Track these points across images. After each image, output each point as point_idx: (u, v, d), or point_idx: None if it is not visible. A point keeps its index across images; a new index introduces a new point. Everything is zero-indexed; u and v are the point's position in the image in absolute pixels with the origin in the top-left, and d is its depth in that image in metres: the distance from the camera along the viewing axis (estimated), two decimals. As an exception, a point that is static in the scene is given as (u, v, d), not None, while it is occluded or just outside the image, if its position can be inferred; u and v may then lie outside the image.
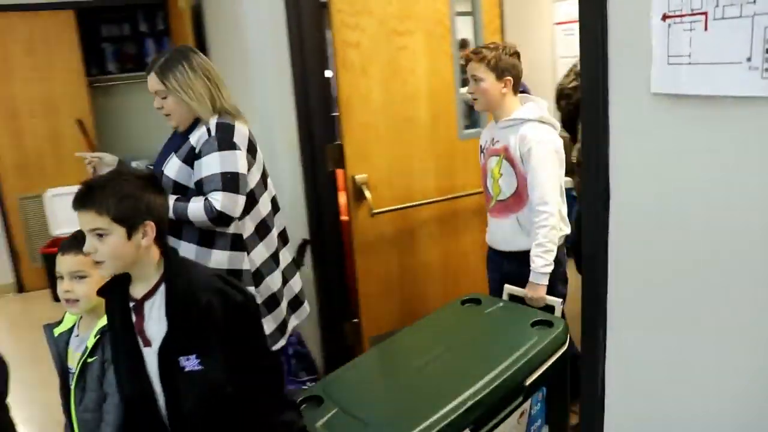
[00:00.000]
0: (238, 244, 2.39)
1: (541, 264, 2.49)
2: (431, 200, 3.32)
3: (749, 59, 0.90)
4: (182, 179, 2.33)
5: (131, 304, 1.67)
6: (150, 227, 1.60)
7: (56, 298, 5.25)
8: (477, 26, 3.39)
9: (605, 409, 1.35)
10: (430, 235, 3.38)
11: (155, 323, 1.64)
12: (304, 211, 3.27)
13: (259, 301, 2.43)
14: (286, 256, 2.64)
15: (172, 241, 2.27)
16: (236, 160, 2.30)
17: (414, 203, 3.25)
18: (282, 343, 2.58)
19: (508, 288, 2.63)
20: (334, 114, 3.21)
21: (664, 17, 1.01)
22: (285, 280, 2.60)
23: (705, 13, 0.95)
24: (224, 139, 2.31)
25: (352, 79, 3.06)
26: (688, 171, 1.08)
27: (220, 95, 2.40)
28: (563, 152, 2.60)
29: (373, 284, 3.23)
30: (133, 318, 1.66)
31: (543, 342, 2.13)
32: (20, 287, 5.85)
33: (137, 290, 1.67)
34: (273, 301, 2.51)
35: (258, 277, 2.45)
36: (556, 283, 2.60)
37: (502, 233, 2.69)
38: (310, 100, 3.10)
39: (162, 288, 1.64)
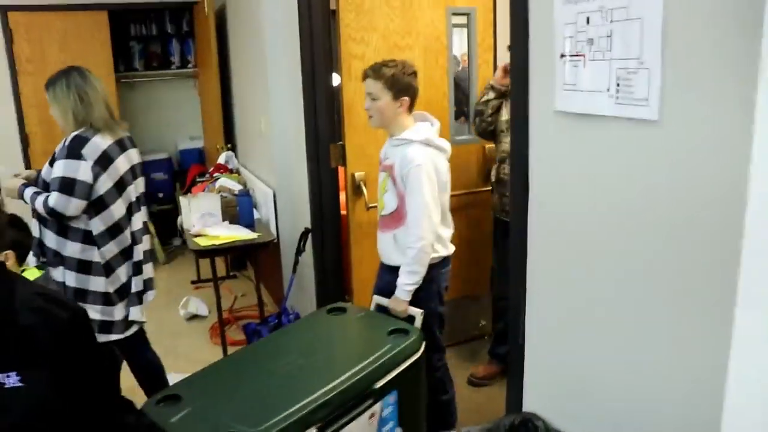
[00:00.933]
0: (89, 239, 2.82)
1: (405, 282, 2.56)
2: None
3: (608, 89, 1.28)
4: (47, 177, 2.81)
5: None
6: None
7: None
8: (471, 42, 3.76)
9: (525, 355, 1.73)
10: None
11: None
12: (307, 203, 3.65)
13: (111, 290, 2.88)
14: (138, 252, 3.01)
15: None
16: (77, 169, 2.73)
17: None
18: (131, 331, 2.99)
19: (376, 298, 2.74)
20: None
21: (561, 56, 1.39)
22: (137, 272, 3.00)
23: (584, 55, 1.32)
24: (72, 150, 2.74)
25: (356, 87, 3.41)
26: (575, 166, 1.47)
27: (88, 111, 2.82)
28: (447, 175, 2.66)
29: (365, 270, 3.57)
30: None
31: (395, 349, 2.20)
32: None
33: None
34: (123, 290, 2.94)
35: (108, 268, 2.87)
36: (430, 300, 2.68)
37: (383, 246, 2.78)
38: (317, 103, 3.48)
39: None
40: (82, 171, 2.74)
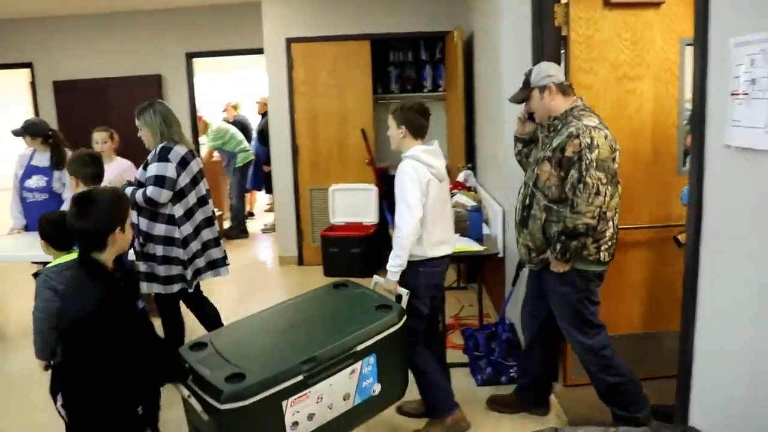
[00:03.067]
0: (172, 221, 3.90)
1: (390, 264, 3.20)
2: (644, 226, 3.69)
3: (765, 126, 1.39)
4: (142, 178, 3.91)
5: None
6: None
7: (327, 273, 6.42)
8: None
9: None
10: (640, 256, 3.75)
11: None
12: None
13: (185, 258, 3.93)
14: (207, 234, 4.10)
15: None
16: (166, 168, 3.84)
17: (628, 226, 3.61)
18: (191, 287, 4.04)
19: (375, 278, 3.36)
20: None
21: (732, 94, 1.52)
22: (205, 248, 4.08)
23: (747, 94, 1.44)
24: (162, 155, 3.87)
25: (582, 115, 3.59)
26: (741, 195, 1.57)
27: (170, 130, 3.95)
28: (437, 187, 3.26)
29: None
30: None
31: (377, 320, 2.84)
32: (300, 260, 7.17)
33: None
34: (193, 257, 3.99)
35: (185, 243, 3.93)
36: (419, 290, 3.27)
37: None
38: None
39: None
40: (170, 170, 3.85)
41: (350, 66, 6.80)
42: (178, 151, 3.91)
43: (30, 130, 5.05)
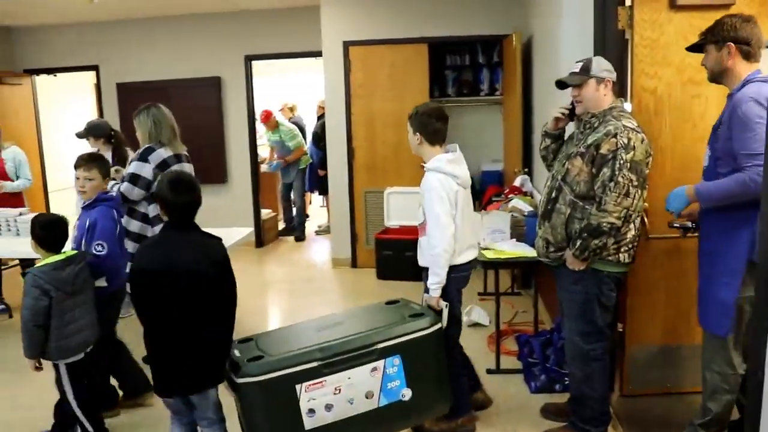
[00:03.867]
0: (146, 219, 4.15)
1: (430, 281, 3.23)
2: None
3: None
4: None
5: None
6: None
7: (380, 276, 6.43)
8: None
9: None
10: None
11: None
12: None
13: None
14: None
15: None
16: (143, 168, 4.06)
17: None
18: None
19: (424, 296, 3.34)
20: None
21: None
22: None
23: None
24: (142, 155, 4.12)
25: (645, 120, 3.49)
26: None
27: (158, 132, 4.18)
28: (462, 196, 3.27)
29: (641, 299, 3.63)
30: None
31: (401, 323, 2.92)
32: (354, 263, 7.20)
33: None
34: None
35: None
36: (452, 296, 3.30)
37: (418, 250, 3.43)
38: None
39: None
40: (146, 170, 4.07)
41: (407, 69, 6.81)
42: (161, 153, 4.15)
43: (93, 132, 5.21)
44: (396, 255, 6.51)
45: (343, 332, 2.87)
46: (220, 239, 2.97)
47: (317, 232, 9.23)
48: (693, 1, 3.39)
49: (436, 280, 3.21)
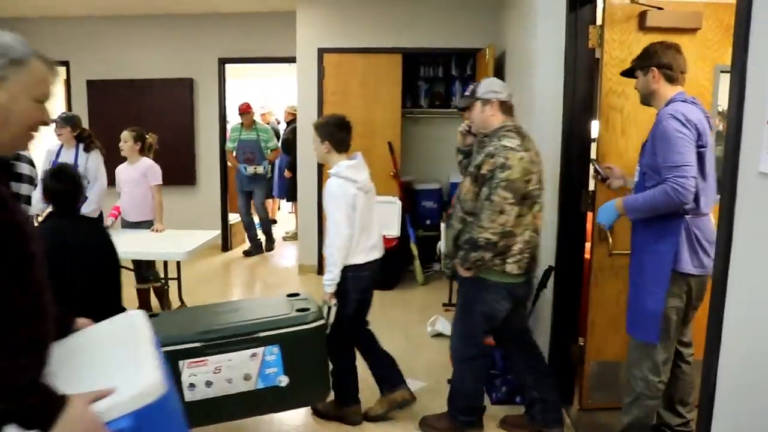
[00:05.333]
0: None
1: (325, 278, 3.48)
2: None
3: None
4: None
5: None
6: None
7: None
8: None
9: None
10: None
11: None
12: (554, 242, 3.86)
13: None
14: None
15: None
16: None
17: None
18: None
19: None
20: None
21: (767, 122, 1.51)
22: None
23: (785, 122, 1.43)
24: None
25: (612, 138, 3.57)
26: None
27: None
28: (353, 199, 3.45)
29: (602, 314, 3.67)
30: None
31: (281, 315, 3.22)
32: (320, 269, 7.14)
33: None
34: None
35: None
36: (348, 293, 3.52)
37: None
38: (573, 151, 3.71)
39: None
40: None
41: (381, 79, 6.83)
42: None
43: (71, 122, 5.14)
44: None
45: (234, 318, 3.23)
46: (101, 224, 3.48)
47: (285, 238, 9.19)
48: (661, 23, 3.46)
49: (330, 276, 3.45)
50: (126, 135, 5.28)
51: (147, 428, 1.39)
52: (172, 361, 2.81)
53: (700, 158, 2.82)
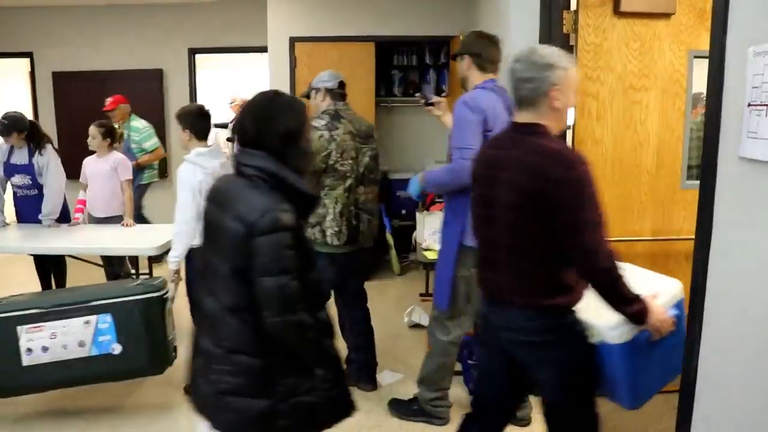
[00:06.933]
0: None
1: (170, 255, 3.72)
2: (644, 238, 3.64)
3: (784, 139, 1.34)
4: None
5: None
6: None
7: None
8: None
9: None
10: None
11: None
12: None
13: None
14: None
15: None
16: None
17: (627, 238, 3.59)
18: None
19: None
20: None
21: (748, 105, 1.47)
22: None
23: (766, 105, 1.39)
24: None
25: (588, 125, 3.55)
26: (756, 209, 1.53)
27: None
28: (198, 185, 3.55)
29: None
30: None
31: (110, 288, 3.65)
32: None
33: None
34: None
35: None
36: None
37: None
38: (549, 137, 3.67)
39: None
40: None
41: (354, 68, 6.73)
42: None
43: (18, 126, 4.84)
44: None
45: (79, 291, 3.60)
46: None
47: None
48: (635, 8, 3.43)
49: (174, 254, 3.68)
50: (94, 131, 5.12)
51: (681, 314, 2.05)
52: (9, 327, 3.25)
53: None
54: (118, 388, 3.90)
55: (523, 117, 2.20)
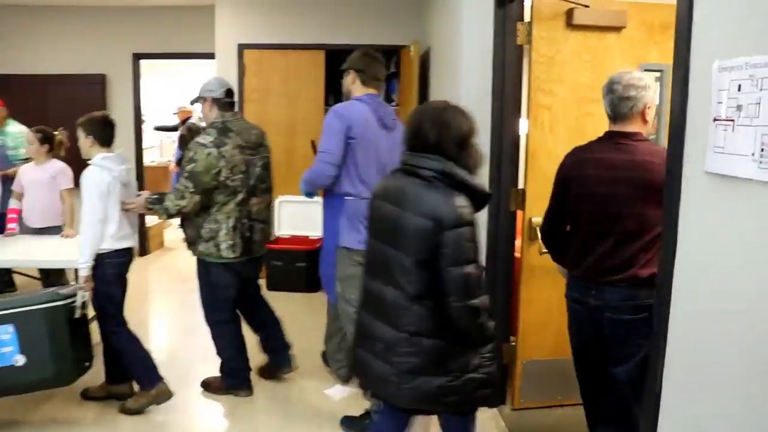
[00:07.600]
0: None
1: (79, 261, 3.52)
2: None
3: (753, 154, 1.33)
4: None
5: None
6: None
7: (270, 287, 6.22)
8: (662, 99, 3.74)
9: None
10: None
11: None
12: (483, 241, 3.80)
13: None
14: None
15: None
16: None
17: None
18: None
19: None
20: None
21: (714, 120, 1.46)
22: None
23: (733, 120, 1.39)
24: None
25: (541, 136, 3.56)
26: (721, 225, 1.52)
27: None
28: (107, 187, 3.55)
29: (534, 312, 3.66)
30: None
31: (13, 297, 3.47)
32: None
33: None
34: None
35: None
36: (110, 277, 3.63)
37: None
38: (503, 149, 3.66)
39: None
40: None
41: (303, 76, 6.68)
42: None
43: None
44: (286, 266, 6.34)
45: None
46: None
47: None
48: (587, 21, 3.47)
49: (82, 259, 3.53)
50: (31, 137, 4.92)
51: None
52: None
53: (353, 149, 3.42)
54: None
55: (620, 127, 2.73)
